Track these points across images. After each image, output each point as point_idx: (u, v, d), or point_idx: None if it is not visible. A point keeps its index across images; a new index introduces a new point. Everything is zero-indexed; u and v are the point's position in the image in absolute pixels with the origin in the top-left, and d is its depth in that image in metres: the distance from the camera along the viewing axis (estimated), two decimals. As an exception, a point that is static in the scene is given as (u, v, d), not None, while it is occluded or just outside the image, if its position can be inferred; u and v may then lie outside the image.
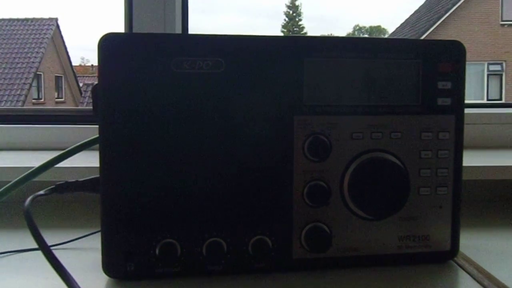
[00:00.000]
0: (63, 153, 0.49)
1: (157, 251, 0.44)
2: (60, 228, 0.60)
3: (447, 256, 0.49)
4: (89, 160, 0.62)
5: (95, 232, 0.53)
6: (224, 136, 0.44)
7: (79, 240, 0.54)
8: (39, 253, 0.41)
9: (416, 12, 8.56)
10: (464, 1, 7.29)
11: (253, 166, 0.45)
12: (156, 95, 0.43)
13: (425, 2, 8.18)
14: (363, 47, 0.45)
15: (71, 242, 0.54)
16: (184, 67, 0.42)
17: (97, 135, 0.50)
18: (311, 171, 0.46)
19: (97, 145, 0.49)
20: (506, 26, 7.85)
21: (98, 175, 0.48)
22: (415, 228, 0.48)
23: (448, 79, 0.47)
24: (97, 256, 0.44)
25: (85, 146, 0.50)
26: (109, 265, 0.44)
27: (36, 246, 0.41)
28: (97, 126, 0.44)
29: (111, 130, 0.43)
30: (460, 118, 0.47)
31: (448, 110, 0.47)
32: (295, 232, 0.46)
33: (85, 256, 0.51)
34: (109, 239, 0.44)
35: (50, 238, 0.43)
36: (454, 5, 7.27)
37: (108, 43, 0.42)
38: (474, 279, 0.45)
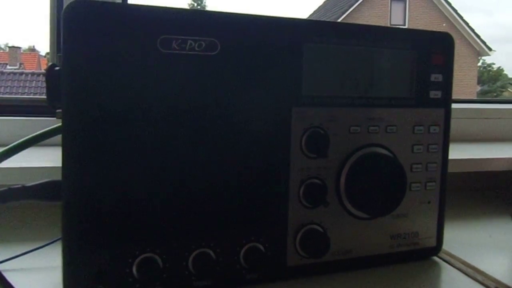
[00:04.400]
0: (4, 151, 0.39)
1: (134, 269, 0.37)
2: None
3: (432, 252, 0.48)
4: (41, 158, 0.51)
5: (52, 242, 0.43)
6: (213, 129, 0.38)
7: (30, 256, 0.43)
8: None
9: (315, 12, 8.94)
10: (358, 4, 7.77)
11: (245, 164, 0.39)
12: (137, 80, 0.35)
13: (323, 3, 8.58)
14: (364, 34, 0.42)
15: (18, 258, 0.43)
16: (173, 47, 0.35)
17: (46, 129, 0.41)
18: (307, 169, 0.41)
19: (48, 141, 0.40)
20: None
21: (50, 179, 0.40)
22: (405, 226, 0.46)
23: (439, 71, 0.45)
24: (55, 276, 0.35)
25: (32, 142, 0.40)
26: (73, 289, 0.36)
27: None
28: (47, 118, 0.35)
29: (78, 124, 0.34)
30: (448, 112, 0.47)
31: (439, 103, 0.46)
32: (290, 237, 0.41)
33: (39, 276, 0.41)
34: (74, 256, 0.35)
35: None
36: (350, 7, 7.72)
37: (75, 14, 0.34)
38: (466, 274, 0.45)
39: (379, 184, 0.42)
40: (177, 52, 0.36)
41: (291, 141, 0.40)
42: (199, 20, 0.36)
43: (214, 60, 0.37)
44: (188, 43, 0.36)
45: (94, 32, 0.34)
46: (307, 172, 0.41)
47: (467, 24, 7.85)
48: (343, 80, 0.42)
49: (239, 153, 0.39)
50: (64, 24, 0.34)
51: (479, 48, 8.07)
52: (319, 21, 0.40)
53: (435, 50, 0.45)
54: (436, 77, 0.45)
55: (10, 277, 0.34)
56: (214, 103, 0.37)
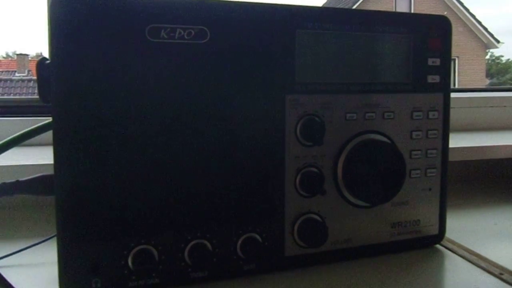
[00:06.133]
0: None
1: (129, 261, 0.36)
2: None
3: (434, 240, 0.47)
4: (27, 157, 0.51)
5: (48, 238, 0.43)
6: (205, 119, 0.37)
7: (26, 252, 0.43)
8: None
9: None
10: (363, 1, 7.72)
11: (240, 153, 0.39)
12: (127, 71, 0.35)
13: (328, 0, 8.55)
14: (358, 19, 0.41)
15: (15, 255, 0.43)
16: (162, 36, 0.35)
17: (37, 125, 0.41)
18: (303, 157, 0.41)
19: (32, 140, 0.40)
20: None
21: (44, 173, 0.39)
22: (406, 214, 0.45)
23: (437, 55, 0.44)
24: (52, 271, 0.35)
25: (23, 138, 0.40)
26: (69, 282, 0.36)
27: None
28: (31, 118, 0.35)
29: (69, 116, 0.34)
30: (447, 96, 0.46)
31: (437, 88, 0.45)
32: (287, 227, 0.41)
33: (35, 272, 0.41)
34: (68, 249, 0.35)
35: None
36: (354, 3, 7.67)
37: (63, 6, 0.33)
38: (469, 261, 0.44)
39: (378, 172, 0.41)
40: (166, 41, 0.35)
41: (286, 129, 0.40)
42: (188, 8, 0.36)
43: (204, 48, 0.36)
44: (177, 32, 0.35)
45: (81, 23, 0.34)
46: (303, 160, 0.41)
47: (473, 16, 7.77)
48: (338, 66, 0.41)
49: (232, 143, 0.38)
50: (52, 17, 0.33)
51: (487, 40, 7.98)
52: (311, 6, 0.40)
53: (432, 34, 0.44)
54: (434, 61, 0.44)
55: (6, 274, 0.34)
56: (205, 92, 0.37)
